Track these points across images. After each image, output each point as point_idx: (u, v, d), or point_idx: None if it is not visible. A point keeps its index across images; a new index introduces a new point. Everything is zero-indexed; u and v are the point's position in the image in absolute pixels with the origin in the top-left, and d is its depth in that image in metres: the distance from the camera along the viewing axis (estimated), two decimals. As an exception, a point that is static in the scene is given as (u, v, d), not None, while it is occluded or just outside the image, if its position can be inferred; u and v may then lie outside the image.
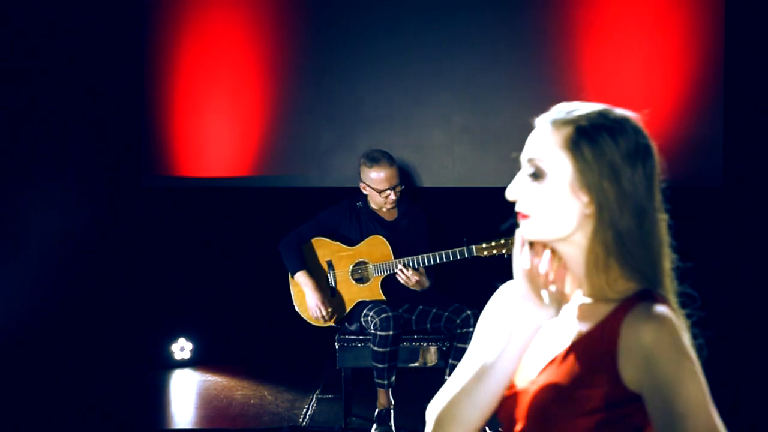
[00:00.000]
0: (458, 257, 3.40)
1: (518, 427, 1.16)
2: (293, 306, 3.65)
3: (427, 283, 3.54)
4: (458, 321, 3.44)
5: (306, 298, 3.56)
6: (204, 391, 4.13)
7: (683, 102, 4.47)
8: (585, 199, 1.15)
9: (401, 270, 3.47)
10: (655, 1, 4.48)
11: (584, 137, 1.14)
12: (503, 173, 1.30)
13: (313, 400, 3.93)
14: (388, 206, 3.64)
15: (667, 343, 1.06)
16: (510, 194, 1.21)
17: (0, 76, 3.82)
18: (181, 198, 4.67)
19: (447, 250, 3.42)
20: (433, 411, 1.20)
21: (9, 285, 3.85)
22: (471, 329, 3.40)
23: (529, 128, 1.25)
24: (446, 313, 3.49)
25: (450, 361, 3.45)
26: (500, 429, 1.24)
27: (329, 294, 3.62)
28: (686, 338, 1.08)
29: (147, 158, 4.70)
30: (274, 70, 4.64)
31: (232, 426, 3.55)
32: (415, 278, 3.47)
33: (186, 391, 4.17)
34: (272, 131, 4.65)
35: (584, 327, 1.16)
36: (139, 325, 4.56)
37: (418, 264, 3.48)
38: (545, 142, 1.18)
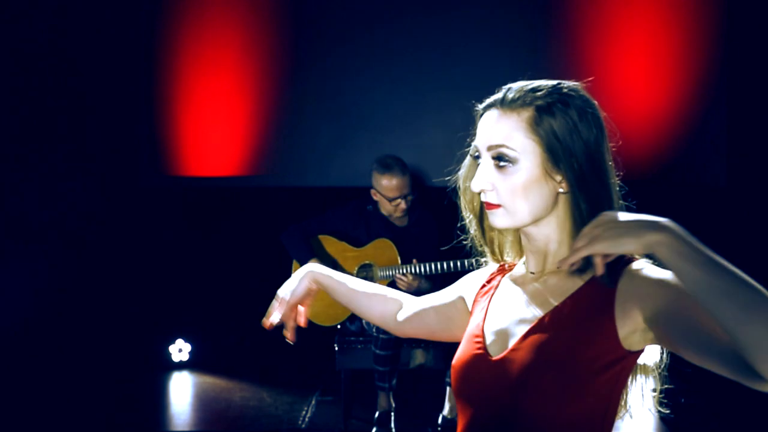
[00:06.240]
0: (466, 267, 3.34)
1: (505, 396, 1.12)
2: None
3: (426, 286, 3.49)
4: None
5: None
6: (202, 393, 4.10)
7: (687, 101, 4.44)
8: (558, 178, 1.14)
9: (403, 276, 3.41)
10: (659, 1, 4.45)
11: (547, 116, 1.13)
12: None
13: (313, 402, 3.90)
14: (398, 215, 3.56)
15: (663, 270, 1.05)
16: (478, 186, 1.17)
17: (0, 75, 3.81)
18: (180, 198, 4.64)
19: (455, 260, 3.35)
20: None
21: (7, 285, 3.83)
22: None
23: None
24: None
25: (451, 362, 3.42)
26: (466, 406, 1.19)
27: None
28: None
29: (146, 158, 4.67)
30: (273, 70, 4.61)
31: (231, 429, 3.52)
32: (414, 285, 3.40)
33: (184, 393, 4.14)
34: (272, 131, 4.62)
35: (562, 294, 1.14)
36: (137, 326, 4.52)
37: (425, 271, 3.41)
38: (505, 127, 1.15)
